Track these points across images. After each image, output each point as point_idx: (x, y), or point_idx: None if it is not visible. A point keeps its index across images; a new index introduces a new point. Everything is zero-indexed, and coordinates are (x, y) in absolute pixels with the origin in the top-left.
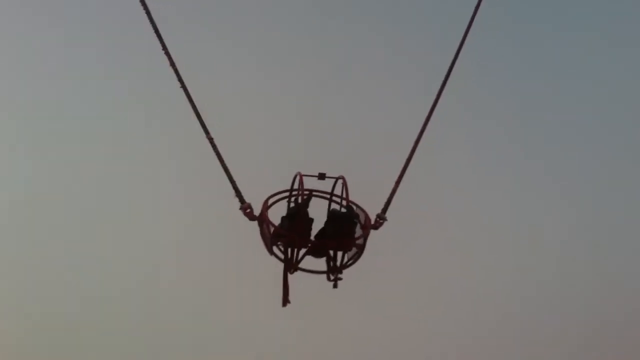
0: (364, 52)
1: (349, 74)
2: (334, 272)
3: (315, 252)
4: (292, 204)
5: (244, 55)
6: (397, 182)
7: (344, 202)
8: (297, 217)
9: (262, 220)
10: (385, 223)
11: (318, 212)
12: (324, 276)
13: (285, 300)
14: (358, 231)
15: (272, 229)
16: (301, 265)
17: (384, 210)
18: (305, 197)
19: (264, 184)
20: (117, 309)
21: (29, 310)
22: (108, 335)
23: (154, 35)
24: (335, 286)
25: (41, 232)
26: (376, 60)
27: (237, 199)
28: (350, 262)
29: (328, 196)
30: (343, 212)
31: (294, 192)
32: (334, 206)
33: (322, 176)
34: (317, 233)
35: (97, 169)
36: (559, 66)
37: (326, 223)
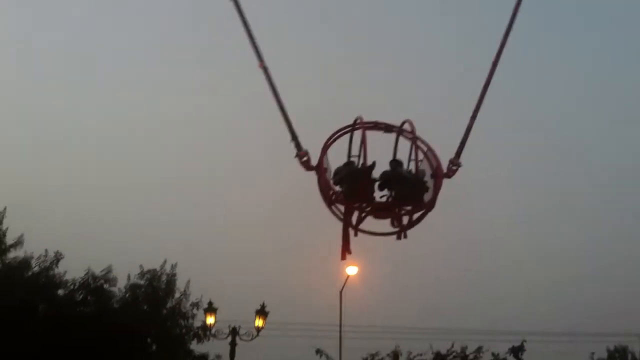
0: None
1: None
2: (400, 233)
3: (379, 214)
4: (354, 159)
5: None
6: (473, 118)
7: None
8: (361, 180)
9: (320, 175)
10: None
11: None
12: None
13: (345, 253)
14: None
15: (330, 192)
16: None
17: (458, 154)
18: (366, 130)
19: (323, 133)
20: None
21: None
22: None
23: None
24: (399, 239)
25: None
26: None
27: (293, 145)
28: (419, 221)
29: (395, 132)
30: (412, 175)
31: (356, 127)
32: (401, 163)
33: (389, 128)
34: (380, 181)
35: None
36: None
37: (391, 177)
